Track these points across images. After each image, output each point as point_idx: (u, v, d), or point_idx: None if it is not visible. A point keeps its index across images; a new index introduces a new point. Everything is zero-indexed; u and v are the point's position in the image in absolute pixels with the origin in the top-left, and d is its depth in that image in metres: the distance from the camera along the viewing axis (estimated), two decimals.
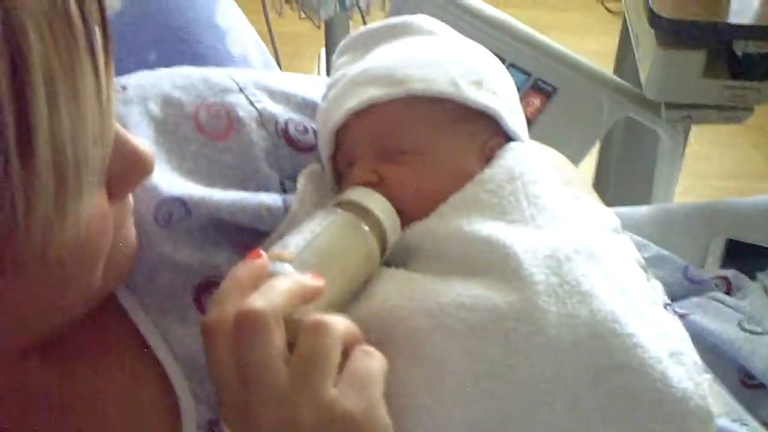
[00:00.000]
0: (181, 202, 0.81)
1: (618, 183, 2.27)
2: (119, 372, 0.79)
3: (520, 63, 1.88)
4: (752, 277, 1.37)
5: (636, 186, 2.15)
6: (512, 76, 0.95)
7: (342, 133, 0.88)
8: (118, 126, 0.67)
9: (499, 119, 0.88)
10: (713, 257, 1.49)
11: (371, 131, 0.87)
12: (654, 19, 1.65)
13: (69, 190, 0.58)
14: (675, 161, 1.95)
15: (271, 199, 0.84)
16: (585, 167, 2.15)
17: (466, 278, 0.78)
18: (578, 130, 1.91)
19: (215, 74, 0.93)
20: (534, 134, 0.98)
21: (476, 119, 0.88)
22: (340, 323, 0.69)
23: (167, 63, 0.96)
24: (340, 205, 0.81)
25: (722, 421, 0.98)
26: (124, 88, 0.89)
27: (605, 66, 2.06)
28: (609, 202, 1.04)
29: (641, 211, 1.66)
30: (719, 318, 1.22)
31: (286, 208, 0.83)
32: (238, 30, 1.27)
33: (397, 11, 1.90)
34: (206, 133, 0.87)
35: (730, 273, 1.38)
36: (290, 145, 0.90)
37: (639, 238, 1.35)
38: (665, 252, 1.37)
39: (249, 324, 0.66)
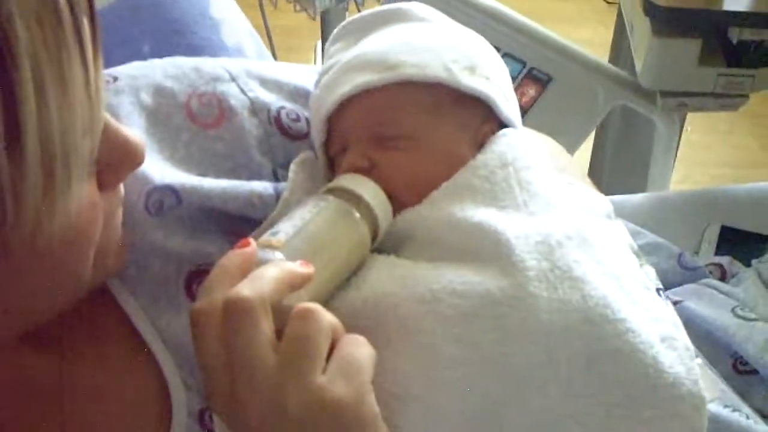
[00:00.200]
0: (172, 191, 0.81)
1: (613, 171, 2.27)
2: (110, 361, 0.79)
3: (515, 52, 1.88)
4: (747, 264, 1.37)
5: (631, 174, 2.15)
6: (507, 65, 0.95)
7: (334, 120, 0.88)
8: (108, 116, 0.67)
9: (493, 105, 0.88)
10: (708, 244, 1.50)
11: (363, 117, 0.86)
12: (649, 8, 1.66)
13: (58, 181, 0.58)
14: (670, 149, 1.95)
15: (263, 187, 0.84)
16: (580, 156, 2.15)
17: (458, 265, 0.78)
18: (573, 119, 1.91)
19: (207, 63, 0.93)
20: (529, 123, 0.98)
21: (469, 105, 0.88)
22: (328, 313, 0.69)
23: (161, 54, 0.96)
24: (330, 191, 0.81)
25: (715, 407, 0.99)
26: (115, 78, 0.89)
27: (600, 55, 2.06)
28: (604, 190, 1.04)
29: (637, 198, 1.66)
30: (713, 304, 1.22)
31: (278, 196, 0.83)
32: (233, 21, 1.27)
33: (392, 1, 1.89)
34: (198, 122, 0.87)
35: (724, 260, 1.39)
36: (283, 134, 0.90)
37: (634, 226, 1.36)
38: (660, 239, 1.38)
39: (237, 312, 0.66)
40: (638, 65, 1.76)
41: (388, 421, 0.70)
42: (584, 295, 0.76)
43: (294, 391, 0.65)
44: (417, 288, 0.76)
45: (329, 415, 0.66)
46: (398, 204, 0.83)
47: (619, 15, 2.10)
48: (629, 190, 1.80)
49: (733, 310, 1.19)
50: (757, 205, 1.58)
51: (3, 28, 0.53)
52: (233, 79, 0.91)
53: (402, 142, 0.85)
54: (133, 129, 0.83)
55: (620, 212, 0.93)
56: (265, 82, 0.92)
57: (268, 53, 1.38)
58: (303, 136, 0.91)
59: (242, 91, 0.90)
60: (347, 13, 2.46)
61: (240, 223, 0.82)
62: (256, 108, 0.89)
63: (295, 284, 0.71)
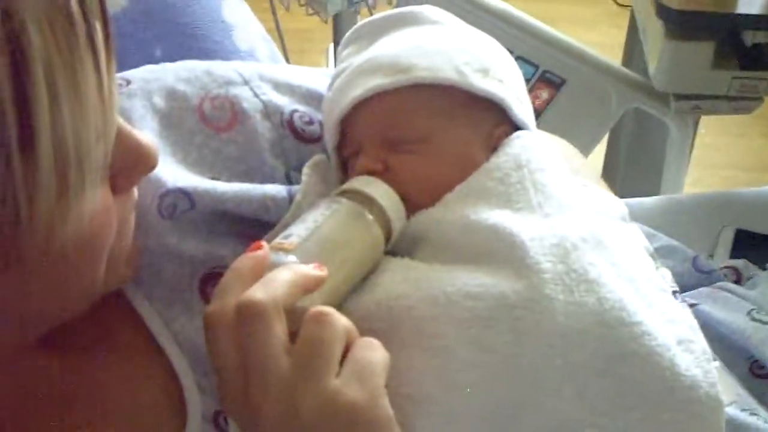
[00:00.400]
0: (185, 194, 0.81)
1: (627, 174, 2.27)
2: (125, 364, 0.79)
3: (528, 55, 1.88)
4: (762, 267, 1.36)
5: (645, 177, 2.14)
6: (520, 68, 0.95)
7: (347, 123, 0.87)
8: (120, 120, 0.67)
9: (506, 107, 0.88)
10: (723, 247, 1.49)
11: (376, 120, 0.86)
12: (662, 11, 1.65)
13: (71, 185, 0.58)
14: (684, 152, 1.94)
15: (276, 190, 0.84)
16: (594, 159, 2.14)
17: (473, 267, 0.77)
18: (587, 122, 1.91)
19: (219, 67, 0.93)
20: (542, 126, 0.97)
21: (482, 107, 0.87)
22: (342, 316, 0.69)
23: (173, 59, 0.96)
24: (343, 194, 0.81)
25: (731, 411, 0.98)
26: (128, 82, 0.89)
27: (613, 58, 2.06)
28: (618, 193, 1.04)
29: (650, 201, 1.66)
30: (729, 308, 1.21)
31: (291, 199, 0.83)
32: (245, 25, 1.27)
33: (403, 5, 1.89)
34: (211, 126, 0.87)
35: (739, 263, 1.38)
36: (295, 137, 0.90)
37: (648, 229, 1.35)
38: (675, 242, 1.37)
39: (250, 315, 0.66)
40: (651, 68, 1.76)
41: (402, 425, 0.70)
42: (600, 298, 0.76)
43: (307, 395, 0.65)
44: (431, 291, 0.76)
45: (343, 418, 0.66)
46: (411, 206, 0.82)
47: (632, 18, 2.10)
48: (643, 193, 1.79)
49: (749, 313, 1.19)
50: None
51: (16, 34, 0.53)
52: (246, 83, 0.91)
53: (415, 145, 0.85)
54: (146, 132, 0.83)
55: (634, 215, 0.92)
56: (278, 86, 0.92)
57: (281, 57, 1.37)
58: (316, 139, 0.91)
59: (255, 94, 0.90)
60: (359, 17, 2.46)
61: (253, 226, 0.82)
62: (269, 111, 0.89)
63: (309, 287, 0.71)
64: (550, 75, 1.88)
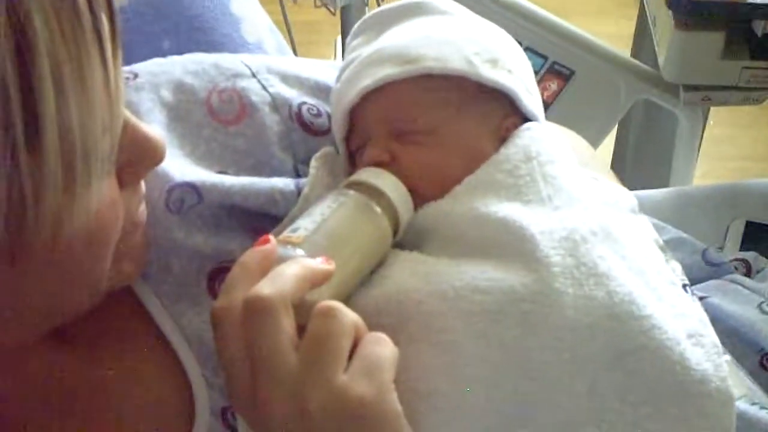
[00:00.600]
0: (193, 188, 0.81)
1: (636, 166, 2.26)
2: (134, 359, 0.79)
3: (537, 46, 1.87)
4: None
5: (654, 168, 2.14)
6: (529, 59, 0.95)
7: (355, 114, 0.87)
8: (127, 113, 0.66)
9: (515, 98, 0.87)
10: (732, 240, 1.49)
11: (384, 110, 0.86)
12: (672, 1, 1.64)
13: (78, 178, 0.58)
14: (693, 143, 1.94)
15: (284, 183, 0.83)
16: (603, 150, 2.14)
17: (482, 260, 0.77)
18: (596, 113, 1.90)
19: (227, 60, 0.92)
20: (551, 117, 0.97)
21: (491, 98, 0.87)
22: (351, 311, 0.69)
23: (181, 51, 0.96)
24: (351, 186, 0.80)
25: (742, 404, 0.98)
26: (135, 75, 0.89)
27: (623, 48, 2.05)
28: (627, 184, 1.03)
29: (660, 193, 1.65)
30: (739, 300, 1.21)
31: (299, 192, 0.83)
32: (253, 18, 1.27)
33: None
34: (219, 119, 0.87)
35: (749, 255, 1.37)
36: (304, 129, 0.90)
37: (657, 221, 1.34)
38: (684, 235, 1.37)
39: (257, 311, 0.66)
40: (661, 59, 1.75)
41: (411, 420, 0.70)
42: (609, 291, 0.75)
43: (316, 390, 0.65)
44: (440, 285, 0.75)
45: (351, 413, 0.65)
46: (419, 198, 0.82)
47: (642, 8, 2.09)
48: (652, 185, 1.79)
49: (759, 306, 1.18)
50: None
51: (22, 26, 0.53)
52: (254, 75, 0.91)
53: (423, 136, 0.85)
54: (154, 126, 0.83)
55: (643, 207, 0.92)
56: (286, 78, 0.92)
57: (289, 49, 1.37)
58: (324, 132, 0.90)
59: (263, 87, 0.90)
60: (367, 8, 2.46)
61: (262, 219, 0.82)
62: (277, 104, 0.89)
63: (316, 281, 0.71)
64: (559, 66, 1.87)
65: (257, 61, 0.93)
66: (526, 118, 0.89)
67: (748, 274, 1.33)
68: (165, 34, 1.15)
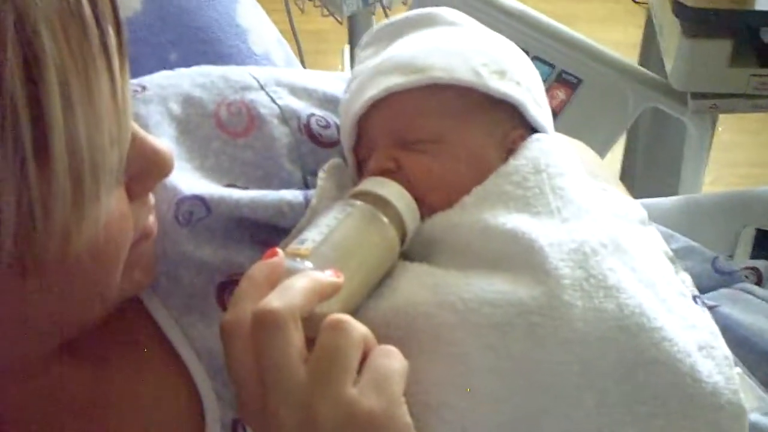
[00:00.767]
0: (201, 201, 0.81)
1: (645, 174, 2.26)
2: (143, 372, 0.79)
3: (545, 55, 1.87)
4: None
5: (663, 176, 2.13)
6: (537, 68, 0.95)
7: (363, 124, 0.87)
8: (135, 126, 0.67)
9: (523, 110, 0.87)
10: (743, 247, 1.48)
11: (391, 119, 0.86)
12: (678, 9, 1.64)
13: (86, 191, 0.58)
14: (702, 151, 1.93)
15: (293, 195, 0.83)
16: (611, 159, 2.13)
17: (490, 273, 0.77)
18: (604, 122, 1.90)
19: (235, 72, 0.92)
20: (559, 126, 0.97)
21: (498, 109, 0.87)
22: (360, 324, 0.69)
23: (188, 63, 0.96)
24: (356, 196, 0.80)
25: (754, 416, 0.97)
26: (143, 88, 0.89)
27: (630, 56, 2.05)
28: (636, 193, 1.03)
29: (669, 201, 1.65)
30: (749, 309, 1.20)
31: (308, 204, 0.83)
32: (260, 29, 1.27)
33: (418, 5, 1.89)
34: (227, 131, 0.87)
35: (760, 263, 1.37)
36: (312, 141, 0.90)
37: (667, 230, 1.34)
38: (694, 243, 1.36)
39: (266, 324, 0.66)
40: (668, 67, 1.75)
41: None
42: (619, 303, 0.75)
43: (325, 404, 0.65)
44: (449, 297, 0.75)
45: (360, 427, 0.65)
46: (424, 207, 0.82)
47: (649, 16, 2.09)
48: (661, 193, 1.79)
49: None
50: None
51: (30, 40, 0.53)
52: (262, 88, 0.91)
53: (428, 144, 0.85)
54: (162, 139, 0.83)
55: (652, 215, 0.92)
56: (294, 90, 0.92)
57: (296, 60, 1.37)
58: (333, 143, 0.90)
59: (272, 99, 0.90)
60: (374, 17, 2.46)
61: (270, 231, 0.82)
62: (285, 116, 0.89)
63: (325, 294, 0.71)
64: (566, 75, 1.87)
65: (265, 73, 0.93)
66: (534, 130, 0.89)
67: (758, 282, 1.33)
68: (172, 45, 1.15)
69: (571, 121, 1.86)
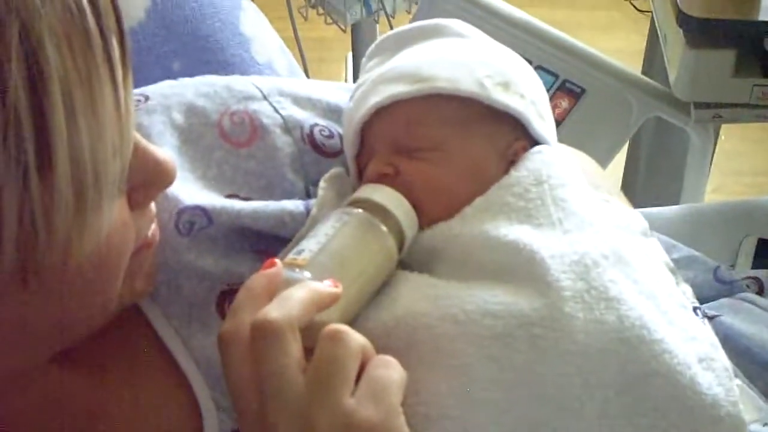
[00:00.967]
0: (203, 211, 0.81)
1: (647, 182, 2.25)
2: (143, 382, 0.79)
3: (548, 64, 1.87)
4: None
5: (666, 185, 2.13)
6: (540, 77, 0.95)
7: (366, 131, 0.87)
8: (138, 136, 0.67)
9: (526, 123, 0.87)
10: (744, 257, 1.48)
11: (392, 127, 0.86)
12: (682, 19, 1.64)
13: (88, 201, 0.58)
14: (705, 160, 1.93)
15: (294, 205, 0.84)
16: (614, 168, 2.13)
17: (492, 284, 0.77)
18: (607, 131, 1.90)
19: (239, 82, 0.93)
20: (562, 135, 0.97)
21: (501, 121, 0.87)
22: (358, 334, 0.69)
23: (191, 72, 0.97)
24: (354, 203, 0.80)
25: (753, 427, 0.97)
26: (146, 97, 0.89)
27: (634, 63, 2.05)
28: (638, 202, 1.03)
29: (671, 211, 1.65)
30: (751, 319, 1.20)
31: (309, 213, 0.83)
32: (263, 38, 1.27)
33: (422, 14, 1.89)
34: (230, 141, 0.87)
35: (761, 273, 1.36)
36: (316, 151, 0.90)
37: (668, 239, 1.34)
38: (696, 252, 1.36)
39: (265, 335, 0.66)
40: (672, 76, 1.75)
41: None
42: (620, 315, 0.75)
43: (323, 414, 0.65)
44: (450, 308, 0.75)
45: None
46: (422, 214, 0.82)
47: (653, 24, 2.09)
48: (663, 202, 1.79)
49: None
50: None
51: (34, 51, 0.53)
52: (265, 98, 0.91)
53: (428, 152, 0.85)
54: (165, 148, 0.83)
55: (654, 225, 0.92)
56: (297, 100, 0.92)
57: (300, 68, 1.37)
58: (336, 153, 0.91)
59: (275, 109, 0.90)
60: (378, 26, 2.46)
61: (272, 241, 0.82)
62: (289, 126, 0.89)
63: (323, 304, 0.71)
64: (570, 84, 1.87)
65: (269, 83, 0.93)
66: (537, 142, 0.89)
67: (760, 292, 1.33)
68: (175, 54, 1.15)
69: (574, 130, 1.86)
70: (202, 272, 0.80)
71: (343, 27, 2.35)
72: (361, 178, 0.89)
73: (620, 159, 2.20)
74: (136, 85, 0.66)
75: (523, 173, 0.84)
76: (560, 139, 0.94)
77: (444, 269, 0.80)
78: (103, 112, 0.58)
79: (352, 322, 0.74)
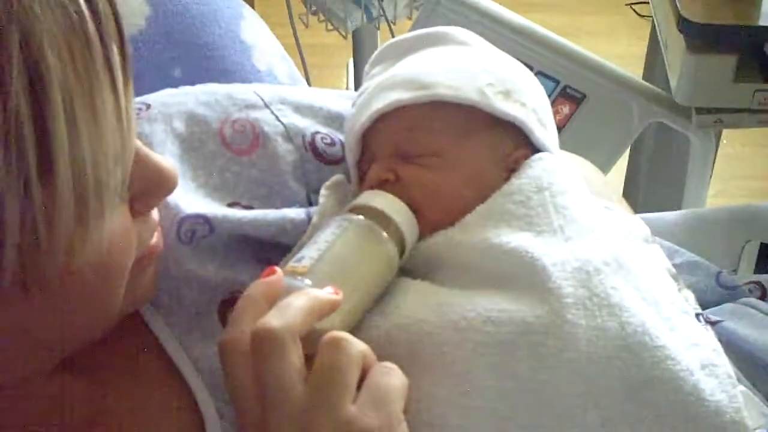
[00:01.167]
0: (204, 219, 0.81)
1: (649, 188, 2.25)
2: (144, 390, 0.79)
3: (549, 70, 1.87)
4: None
5: (667, 190, 2.13)
6: (541, 83, 0.95)
7: (368, 138, 0.88)
8: (139, 143, 0.67)
9: (527, 131, 0.87)
10: (747, 262, 1.48)
11: (393, 132, 0.87)
12: (683, 25, 1.64)
13: (90, 209, 0.58)
14: (706, 165, 1.93)
15: (295, 212, 0.84)
16: (615, 173, 2.13)
17: (494, 291, 0.77)
18: (608, 137, 1.90)
19: (240, 90, 0.93)
20: (564, 141, 0.97)
21: (502, 129, 0.87)
22: (359, 341, 0.69)
23: (192, 79, 0.97)
24: (354, 210, 0.80)
25: None
26: (147, 106, 0.89)
27: (635, 69, 2.05)
28: (640, 207, 1.03)
29: (673, 216, 1.64)
30: (753, 324, 1.20)
31: (311, 221, 0.83)
32: (264, 45, 1.27)
33: (423, 20, 1.89)
34: (232, 149, 0.87)
35: (764, 278, 1.36)
36: (317, 158, 0.90)
37: (670, 244, 1.34)
38: (697, 258, 1.36)
39: (265, 343, 0.66)
40: (673, 82, 1.75)
41: None
42: (622, 322, 0.75)
43: (324, 422, 0.65)
44: (452, 316, 0.75)
45: None
46: (422, 220, 0.83)
47: (654, 30, 2.09)
48: (665, 207, 1.78)
49: None
50: None
51: (35, 59, 0.53)
52: (267, 106, 0.91)
53: (429, 158, 0.85)
54: (166, 156, 0.83)
55: (656, 230, 0.91)
56: (299, 108, 0.92)
57: (301, 76, 1.37)
58: (338, 161, 0.91)
59: (276, 117, 0.90)
60: (378, 32, 2.46)
61: (273, 249, 0.82)
62: (290, 134, 0.89)
63: (324, 311, 0.71)
64: (571, 90, 1.87)
65: (270, 91, 0.94)
66: (538, 150, 0.89)
67: (762, 297, 1.32)
68: (175, 62, 1.16)
69: (575, 136, 1.86)
70: (204, 281, 0.80)
71: (343, 33, 2.36)
72: (361, 185, 0.89)
73: (622, 164, 2.19)
74: (137, 93, 0.66)
75: (525, 181, 0.84)
76: (561, 145, 0.94)
77: (445, 277, 0.80)
78: (103, 119, 0.58)
79: (353, 329, 0.74)
